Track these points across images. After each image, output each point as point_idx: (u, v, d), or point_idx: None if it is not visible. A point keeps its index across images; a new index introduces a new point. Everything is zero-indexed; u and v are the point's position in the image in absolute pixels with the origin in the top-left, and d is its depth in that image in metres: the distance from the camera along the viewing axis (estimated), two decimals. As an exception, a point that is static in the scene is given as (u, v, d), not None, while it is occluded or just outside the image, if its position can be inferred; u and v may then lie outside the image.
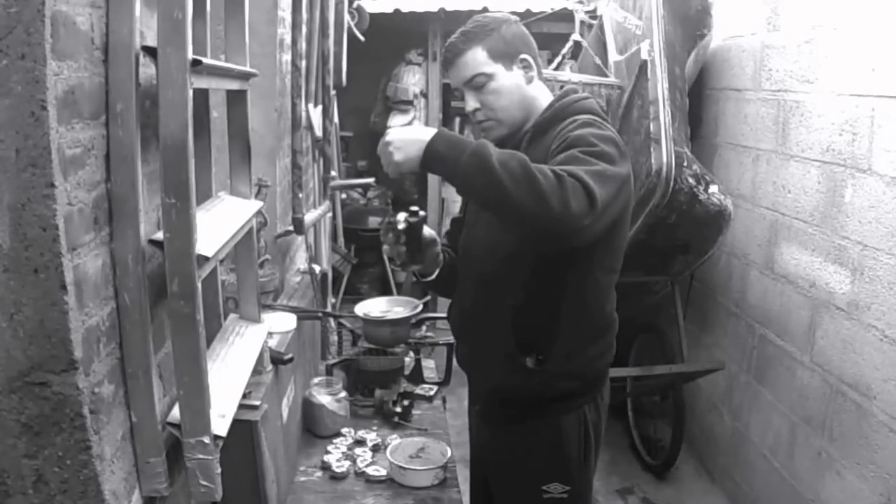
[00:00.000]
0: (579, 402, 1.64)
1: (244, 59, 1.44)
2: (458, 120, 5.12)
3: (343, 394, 2.21)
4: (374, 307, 2.45)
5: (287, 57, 2.28)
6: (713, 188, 2.86)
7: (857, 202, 2.33)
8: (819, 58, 2.57)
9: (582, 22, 4.15)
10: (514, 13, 1.71)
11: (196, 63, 1.01)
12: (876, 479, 2.20)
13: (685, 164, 2.82)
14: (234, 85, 1.37)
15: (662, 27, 2.98)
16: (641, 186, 2.76)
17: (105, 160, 0.99)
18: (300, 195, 2.25)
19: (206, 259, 1.06)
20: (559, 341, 1.58)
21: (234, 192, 1.47)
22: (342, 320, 2.63)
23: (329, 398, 2.16)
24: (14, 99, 0.83)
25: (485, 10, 3.93)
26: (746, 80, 3.12)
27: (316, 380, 2.23)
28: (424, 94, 5.02)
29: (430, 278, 1.74)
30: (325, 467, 1.99)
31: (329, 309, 2.78)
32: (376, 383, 2.36)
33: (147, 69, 1.05)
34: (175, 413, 1.10)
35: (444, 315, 1.93)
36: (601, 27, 3.63)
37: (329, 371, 2.40)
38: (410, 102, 4.96)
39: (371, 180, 3.58)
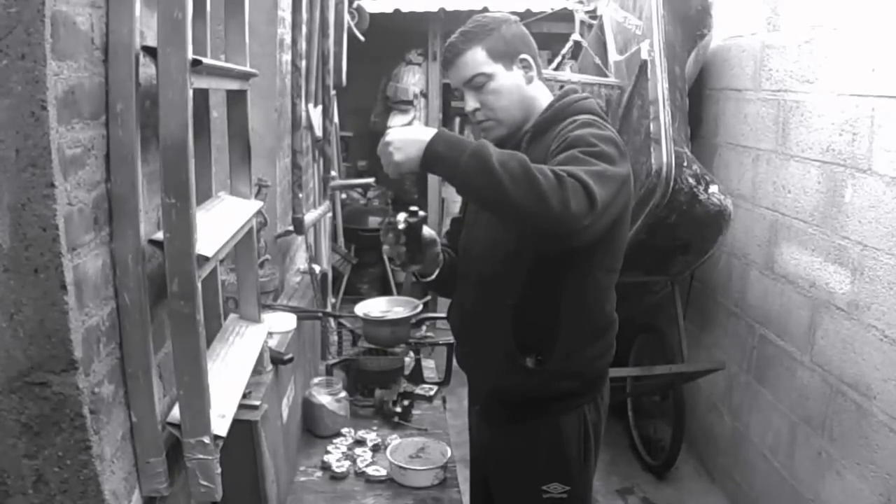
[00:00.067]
0: (579, 401, 1.64)
1: (244, 59, 1.44)
2: (458, 120, 5.12)
3: (343, 394, 2.21)
4: (374, 307, 2.45)
5: (287, 57, 2.28)
6: (713, 188, 2.86)
7: (857, 202, 2.33)
8: (819, 58, 2.57)
9: (582, 22, 4.16)
10: (514, 13, 1.71)
11: (196, 63, 1.01)
12: (876, 479, 2.20)
13: (685, 164, 2.82)
14: (234, 85, 1.37)
15: (662, 27, 2.98)
16: (641, 186, 2.76)
17: (105, 160, 0.99)
18: (300, 195, 2.25)
19: (206, 259, 1.06)
20: (559, 341, 1.58)
21: (234, 192, 1.47)
22: (342, 320, 2.63)
23: (329, 398, 2.16)
24: (14, 99, 0.83)
25: (485, 10, 3.93)
26: (746, 80, 3.12)
27: (316, 380, 2.23)
28: (424, 94, 5.02)
29: (430, 278, 1.74)
30: (325, 467, 1.99)
31: (329, 309, 2.78)
32: (376, 383, 2.36)
33: (147, 69, 1.05)
34: (175, 413, 1.10)
35: (444, 315, 1.93)
36: (601, 27, 3.63)
37: (329, 371, 2.40)
38: (410, 102, 4.96)
39: (371, 180, 3.58)
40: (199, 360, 1.05)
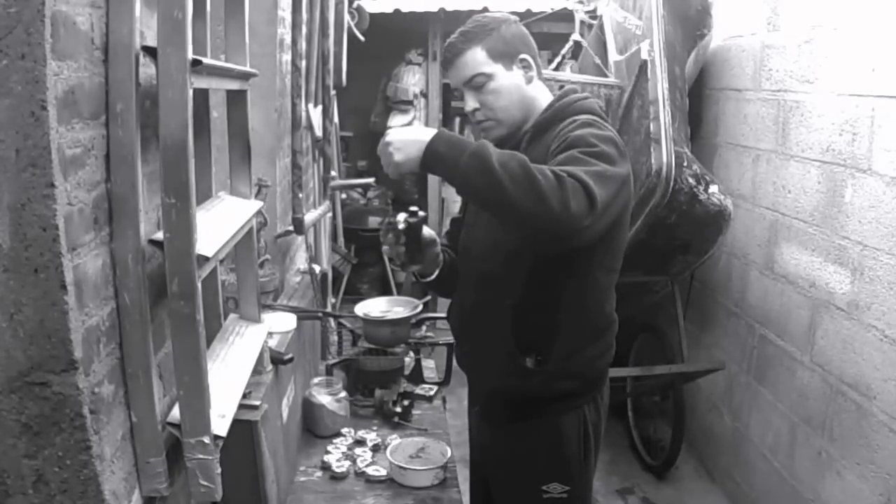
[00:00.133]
0: (579, 402, 1.64)
1: (244, 59, 1.44)
2: (458, 120, 5.12)
3: (343, 394, 2.21)
4: (374, 307, 2.45)
5: (287, 57, 2.28)
6: (713, 188, 2.86)
7: (857, 202, 2.33)
8: (819, 58, 2.57)
9: (582, 22, 4.16)
10: (514, 13, 1.71)
11: (196, 63, 1.01)
12: (876, 479, 2.20)
13: (685, 164, 2.82)
14: (234, 85, 1.37)
15: (662, 27, 2.98)
16: (641, 186, 2.76)
17: (105, 160, 0.99)
18: (300, 195, 2.25)
19: (206, 259, 1.06)
20: (559, 341, 1.58)
21: (234, 192, 1.47)
22: (342, 320, 2.63)
23: (329, 398, 2.16)
24: (14, 99, 0.83)
25: (485, 10, 3.93)
26: (746, 80, 3.12)
27: (316, 380, 2.23)
28: (424, 94, 5.02)
29: (429, 278, 1.74)
30: (325, 467, 1.99)
31: (329, 309, 2.78)
32: (376, 383, 2.36)
33: (147, 69, 1.05)
34: (175, 413, 1.10)
35: (444, 315, 1.93)
36: (601, 27, 3.63)
37: (329, 371, 2.40)
38: (410, 102, 4.96)
39: (371, 180, 3.58)
40: (199, 360, 1.05)
